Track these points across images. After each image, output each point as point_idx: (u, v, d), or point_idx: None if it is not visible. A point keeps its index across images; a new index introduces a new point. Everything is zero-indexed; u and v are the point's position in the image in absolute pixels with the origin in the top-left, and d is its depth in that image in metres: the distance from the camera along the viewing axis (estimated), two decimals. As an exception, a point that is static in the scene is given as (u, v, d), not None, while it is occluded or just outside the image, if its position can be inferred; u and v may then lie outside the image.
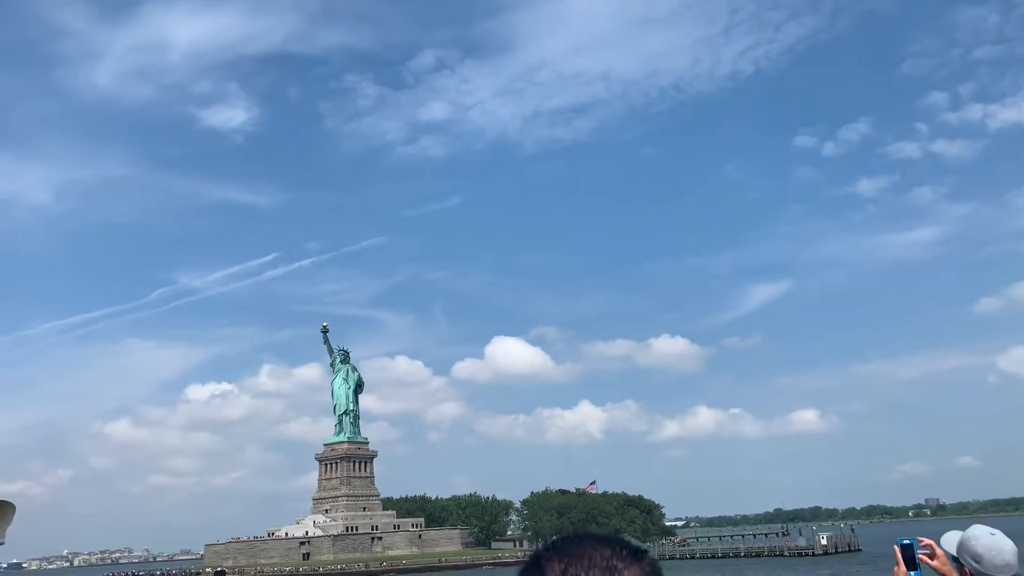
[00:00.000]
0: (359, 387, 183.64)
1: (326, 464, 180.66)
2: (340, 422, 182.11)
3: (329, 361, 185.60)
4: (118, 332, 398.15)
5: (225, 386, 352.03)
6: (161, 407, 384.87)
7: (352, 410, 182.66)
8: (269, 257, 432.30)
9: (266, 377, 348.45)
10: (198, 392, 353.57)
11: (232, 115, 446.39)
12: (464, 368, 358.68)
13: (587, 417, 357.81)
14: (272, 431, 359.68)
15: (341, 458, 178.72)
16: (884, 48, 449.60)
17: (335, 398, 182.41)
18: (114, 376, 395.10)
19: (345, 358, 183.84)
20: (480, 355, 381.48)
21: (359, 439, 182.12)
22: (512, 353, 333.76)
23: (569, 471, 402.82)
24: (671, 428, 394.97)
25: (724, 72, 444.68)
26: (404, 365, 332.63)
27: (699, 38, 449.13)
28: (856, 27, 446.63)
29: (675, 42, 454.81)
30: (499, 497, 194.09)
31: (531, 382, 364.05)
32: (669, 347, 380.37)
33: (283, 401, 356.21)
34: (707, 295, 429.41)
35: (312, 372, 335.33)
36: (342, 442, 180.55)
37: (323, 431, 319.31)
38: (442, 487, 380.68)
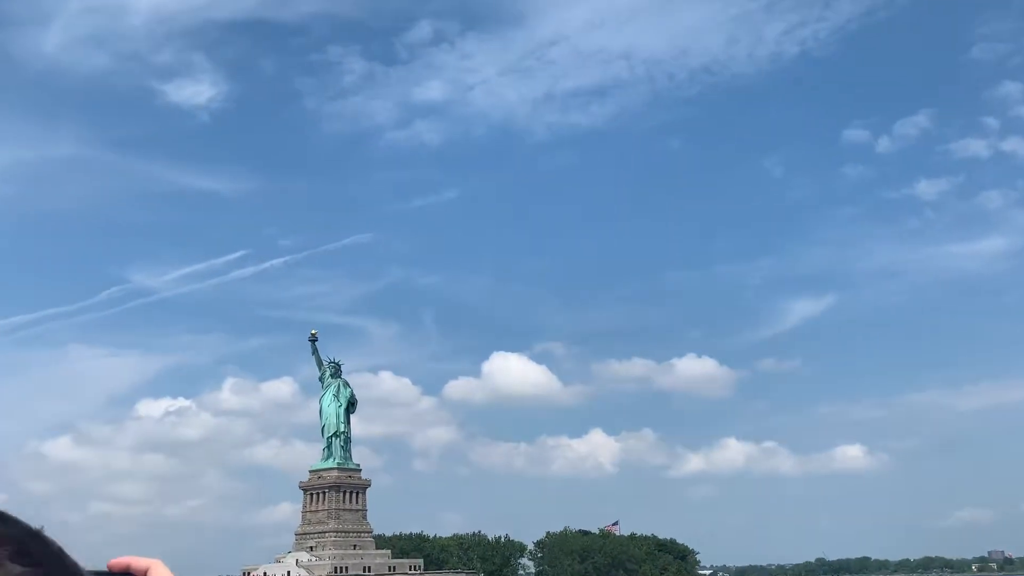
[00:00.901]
0: (351, 405, 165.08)
1: (312, 494, 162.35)
2: (329, 445, 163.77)
3: (318, 375, 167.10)
4: (61, 337, 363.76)
5: (182, 402, 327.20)
6: (108, 424, 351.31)
7: (343, 432, 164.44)
8: (236, 254, 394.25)
9: (230, 393, 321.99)
10: (151, 408, 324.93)
11: (197, 90, 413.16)
12: (457, 387, 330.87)
13: (598, 447, 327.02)
14: (235, 455, 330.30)
15: (330, 487, 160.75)
16: (950, 30, 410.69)
17: (324, 417, 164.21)
18: (55, 387, 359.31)
19: (336, 371, 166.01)
20: (476, 373, 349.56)
21: (350, 466, 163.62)
22: (513, 371, 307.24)
23: (577, 508, 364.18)
24: (695, 462, 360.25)
25: (765, 53, 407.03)
26: (389, 382, 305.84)
27: (737, 14, 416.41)
28: (918, 5, 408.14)
29: (709, 18, 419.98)
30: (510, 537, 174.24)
31: (534, 405, 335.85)
32: (694, 369, 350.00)
33: (249, 421, 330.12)
34: (739, 310, 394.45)
35: (283, 388, 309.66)
36: (331, 469, 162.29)
37: (295, 456, 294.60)
38: (429, 523, 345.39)
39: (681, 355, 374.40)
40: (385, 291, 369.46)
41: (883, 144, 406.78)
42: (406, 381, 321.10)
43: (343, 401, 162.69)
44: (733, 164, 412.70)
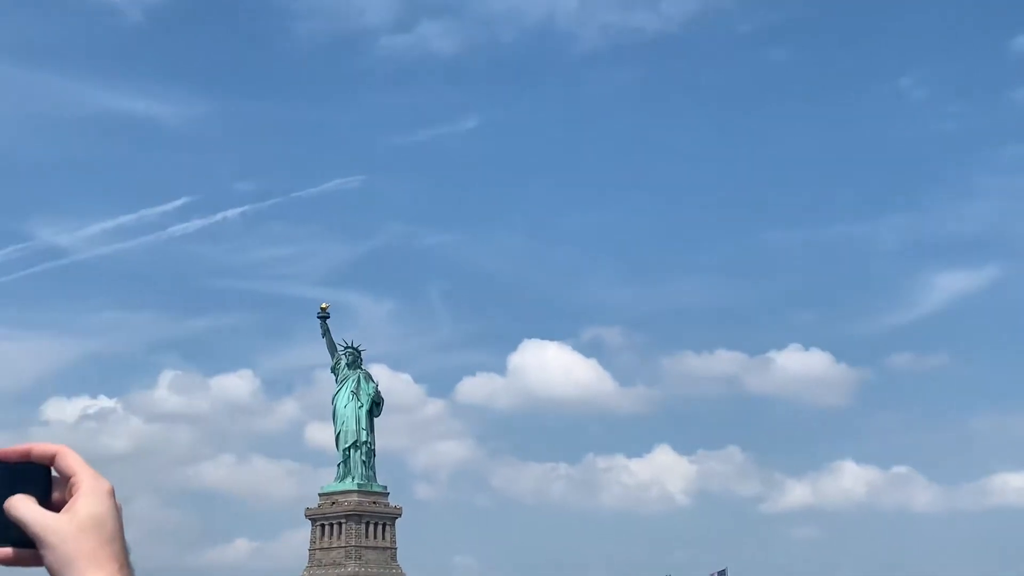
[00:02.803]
0: (376, 406, 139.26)
1: (323, 526, 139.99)
2: (346, 459, 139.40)
3: (330, 364, 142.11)
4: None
5: (104, 402, 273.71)
6: (5, 431, 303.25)
7: (365, 442, 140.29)
8: (177, 203, 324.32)
9: (168, 390, 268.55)
10: (62, 409, 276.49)
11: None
12: (475, 387, 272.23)
13: (666, 470, 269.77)
14: (175, 474, 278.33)
15: (348, 516, 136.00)
16: None
17: (338, 422, 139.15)
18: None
19: (355, 360, 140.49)
20: (500, 368, 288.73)
21: (375, 488, 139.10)
22: (551, 367, 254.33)
23: (636, 553, 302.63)
24: (798, 493, 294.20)
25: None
26: (383, 379, 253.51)
27: None
28: None
29: None
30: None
31: (580, 413, 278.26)
32: (799, 365, 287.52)
33: (193, 428, 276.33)
34: (863, 285, 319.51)
35: (240, 385, 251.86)
36: (349, 491, 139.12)
37: (255, 477, 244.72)
38: (435, 568, 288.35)
39: (782, 346, 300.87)
40: (379, 255, 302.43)
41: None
42: (405, 378, 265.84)
43: (365, 400, 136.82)
44: (858, 85, 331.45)
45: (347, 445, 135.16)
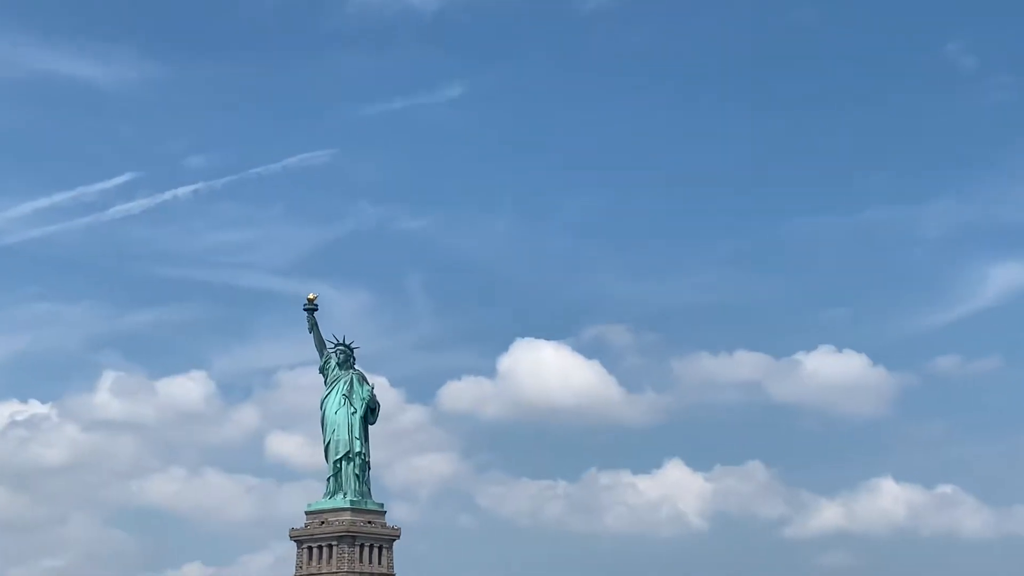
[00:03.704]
0: (371, 412, 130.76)
1: (310, 548, 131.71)
2: (337, 473, 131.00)
3: (319, 364, 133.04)
4: None
5: (36, 407, 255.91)
6: None
7: (359, 453, 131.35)
8: (120, 179, 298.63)
9: (109, 394, 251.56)
10: None
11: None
12: (460, 393, 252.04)
13: (679, 489, 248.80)
14: (118, 489, 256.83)
15: (340, 538, 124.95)
16: None
17: (328, 430, 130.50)
18: None
19: (347, 359, 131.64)
20: (490, 371, 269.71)
21: (370, 505, 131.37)
22: (547, 370, 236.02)
23: None
24: (830, 514, 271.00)
25: None
26: None
27: None
28: None
29: None
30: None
31: (580, 423, 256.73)
32: (831, 369, 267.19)
33: (138, 438, 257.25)
34: (903, 279, 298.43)
35: (191, 389, 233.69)
36: (342, 510, 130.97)
37: (209, 493, 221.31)
38: None
39: (811, 348, 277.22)
40: (349, 241, 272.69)
41: None
42: (380, 381, 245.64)
43: (358, 406, 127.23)
44: (897, 51, 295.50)
45: (338, 456, 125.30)
